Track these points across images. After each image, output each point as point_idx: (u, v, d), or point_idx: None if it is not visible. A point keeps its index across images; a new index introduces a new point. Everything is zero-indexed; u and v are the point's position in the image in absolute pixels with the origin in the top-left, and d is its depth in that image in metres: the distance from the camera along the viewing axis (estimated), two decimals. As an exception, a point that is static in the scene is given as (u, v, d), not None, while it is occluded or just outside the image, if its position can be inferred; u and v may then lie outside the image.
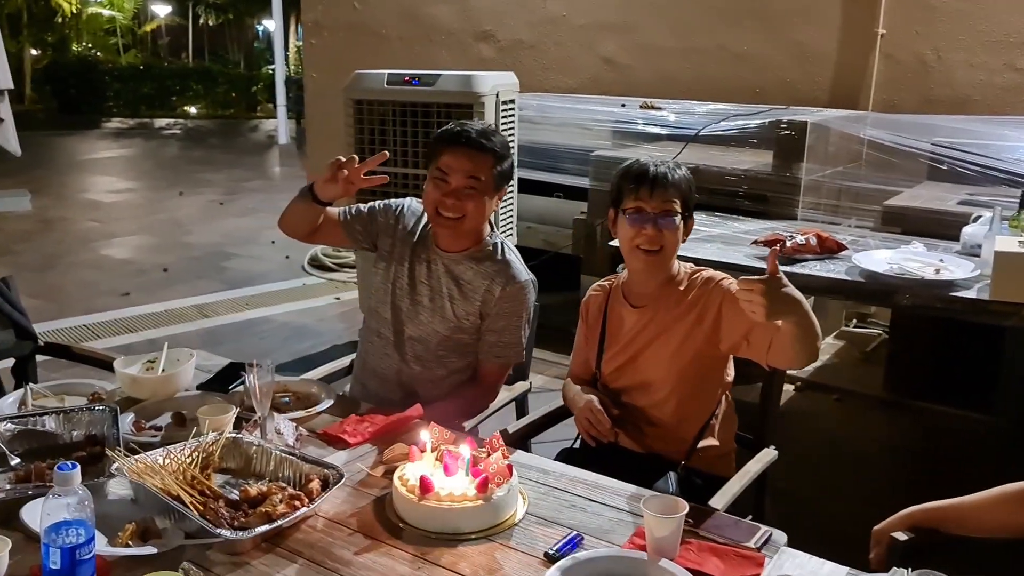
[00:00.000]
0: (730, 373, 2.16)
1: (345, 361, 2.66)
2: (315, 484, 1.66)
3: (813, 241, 3.18)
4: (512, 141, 4.19)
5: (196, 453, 1.72)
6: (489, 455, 1.68)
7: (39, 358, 2.78)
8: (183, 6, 25.04)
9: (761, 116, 4.50)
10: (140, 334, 5.09)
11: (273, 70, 17.97)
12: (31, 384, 2.21)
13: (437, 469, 1.67)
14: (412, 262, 2.37)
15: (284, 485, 1.67)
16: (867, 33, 4.92)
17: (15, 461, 1.75)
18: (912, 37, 4.83)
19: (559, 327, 4.14)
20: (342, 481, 1.66)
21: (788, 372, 2.37)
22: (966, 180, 3.98)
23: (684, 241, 2.09)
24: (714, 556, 1.48)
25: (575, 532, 1.58)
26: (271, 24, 20.44)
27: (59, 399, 2.14)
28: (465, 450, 1.67)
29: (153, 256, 7.04)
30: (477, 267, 2.31)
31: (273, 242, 7.20)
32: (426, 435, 1.75)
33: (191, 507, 1.54)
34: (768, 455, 2.13)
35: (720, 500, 1.82)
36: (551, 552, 1.51)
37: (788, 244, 3.12)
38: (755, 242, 3.30)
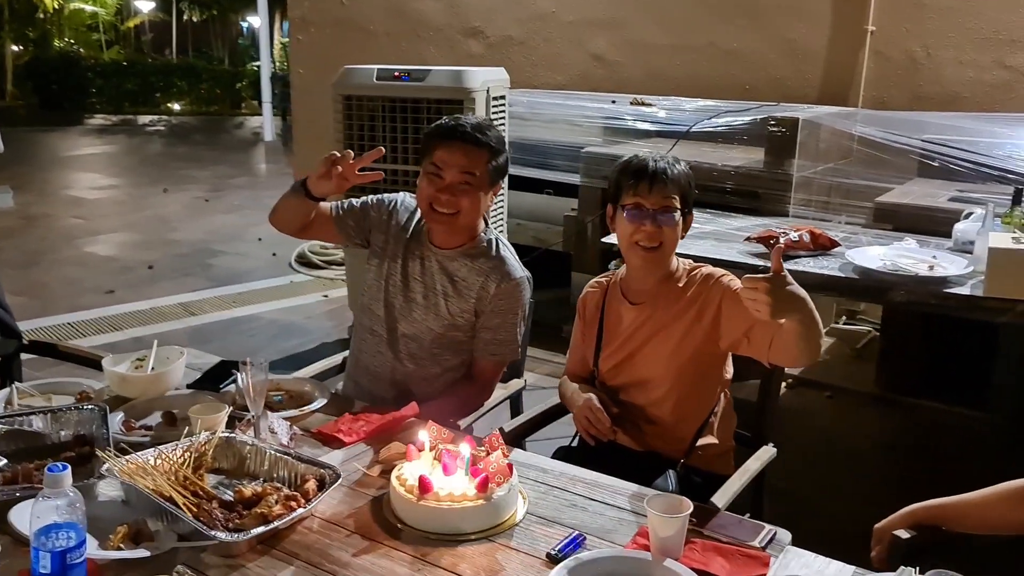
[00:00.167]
0: (729, 371, 2.14)
1: (337, 359, 2.63)
2: (311, 484, 1.62)
3: (806, 238, 3.18)
4: (503, 136, 4.16)
5: (188, 453, 1.68)
6: (488, 454, 1.65)
7: (23, 356, 2.73)
8: (167, 2, 24.85)
9: (752, 113, 4.49)
10: (125, 332, 5.04)
11: (258, 67, 17.87)
12: (17, 383, 2.16)
13: (436, 468, 1.64)
14: (405, 258, 2.34)
15: (279, 486, 1.64)
16: (857, 30, 4.92)
17: (2, 462, 1.70)
18: (902, 34, 4.83)
19: (549, 324, 4.13)
20: (339, 481, 1.63)
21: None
22: (956, 176, 3.99)
23: (683, 237, 2.07)
24: (719, 556, 1.46)
25: (577, 532, 1.55)
26: (256, 20, 20.33)
27: (46, 398, 2.09)
28: (465, 449, 1.64)
29: (138, 253, 6.97)
30: (471, 264, 2.27)
31: (260, 239, 7.15)
32: (424, 434, 1.72)
33: (184, 508, 1.50)
34: (767, 452, 2.12)
35: (721, 498, 1.80)
36: (553, 553, 1.48)
37: (782, 241, 3.11)
38: (748, 239, 3.29)
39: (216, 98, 21.64)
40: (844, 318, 5.11)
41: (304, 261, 6.51)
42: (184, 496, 1.54)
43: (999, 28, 4.58)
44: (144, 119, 19.11)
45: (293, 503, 1.56)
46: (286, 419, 1.94)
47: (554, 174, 4.91)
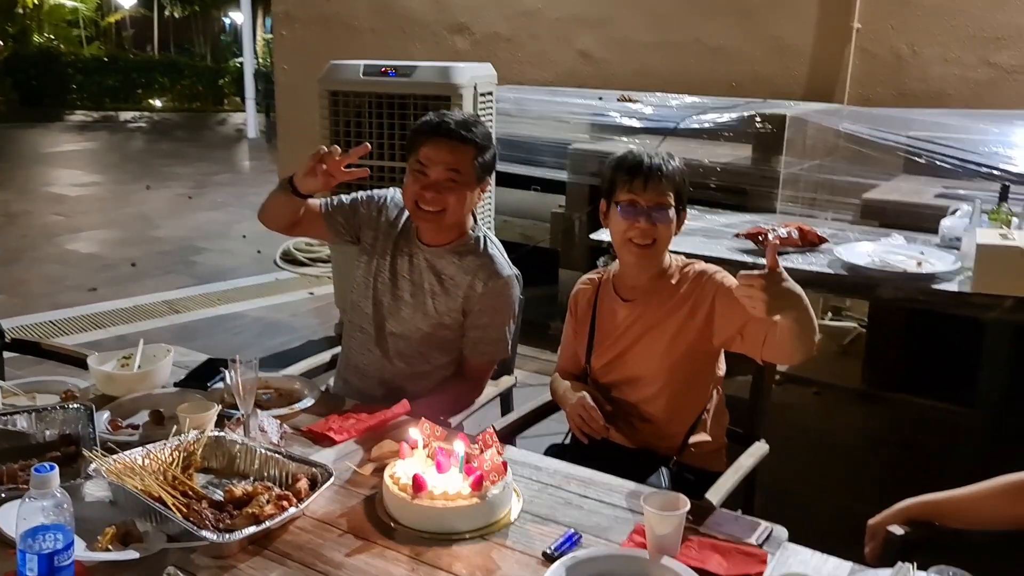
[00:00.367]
0: (722, 367, 2.13)
1: (325, 356, 2.60)
2: (303, 484, 1.60)
3: (795, 234, 3.18)
4: (490, 132, 4.15)
5: (177, 452, 1.66)
6: (483, 452, 1.63)
7: (5, 355, 2.69)
8: (148, -3, 24.64)
9: (739, 109, 4.49)
10: (109, 330, 4.98)
11: (240, 63, 17.74)
12: (0, 381, 2.12)
13: (429, 467, 1.62)
14: (394, 256, 2.32)
15: (270, 485, 1.62)
16: (843, 27, 4.93)
17: (-15, 463, 1.67)
18: (887, 31, 4.84)
19: (537, 322, 4.12)
20: (331, 480, 1.61)
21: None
22: (942, 173, 4.00)
23: (677, 234, 2.06)
24: (716, 553, 1.46)
25: (572, 530, 1.54)
26: (238, 17, 20.20)
27: (30, 397, 2.06)
28: (459, 447, 1.62)
29: (120, 250, 6.90)
30: (459, 262, 2.25)
31: (244, 236, 7.09)
32: (416, 433, 1.70)
33: (174, 509, 1.48)
34: (760, 449, 2.12)
35: (715, 495, 1.79)
36: (549, 551, 1.47)
37: (771, 237, 3.11)
38: (737, 235, 3.29)
39: (198, 95, 21.47)
40: (830, 314, 5.12)
41: (289, 258, 6.46)
42: (173, 496, 1.51)
43: (984, 26, 4.61)
44: (126, 115, 18.90)
45: (285, 502, 1.54)
46: (276, 417, 1.92)
47: (541, 171, 4.89)
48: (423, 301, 2.27)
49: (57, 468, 1.30)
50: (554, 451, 2.15)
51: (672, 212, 2.02)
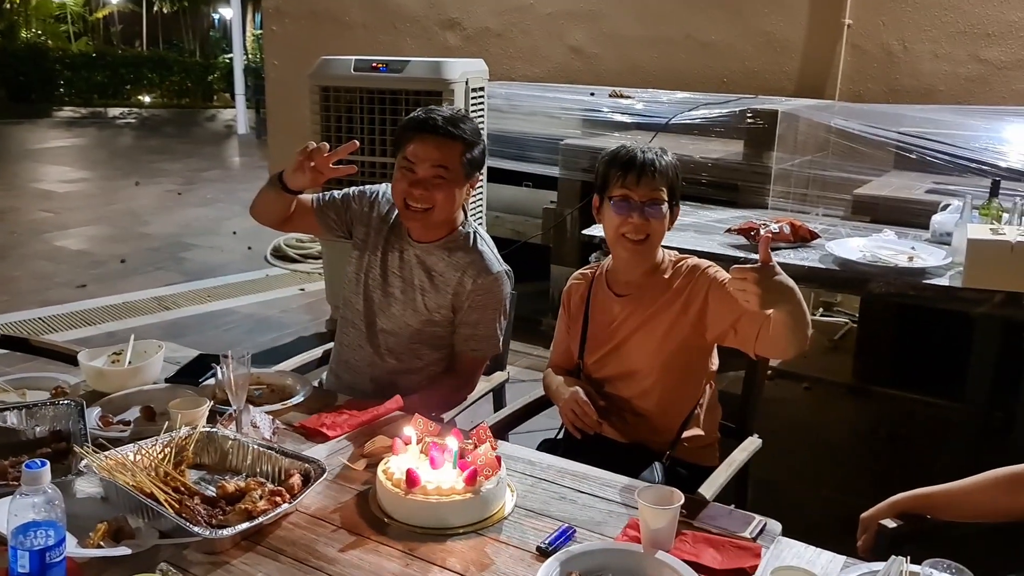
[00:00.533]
0: (714, 362, 2.13)
1: (317, 352, 2.60)
2: (296, 479, 1.60)
3: (787, 230, 3.19)
4: (482, 129, 4.14)
5: (169, 448, 1.65)
6: (476, 447, 1.63)
7: (-5, 352, 2.68)
8: (136, -7, 24.49)
9: (730, 105, 4.49)
10: (98, 327, 4.95)
11: (230, 59, 17.66)
12: (-11, 378, 2.11)
13: (423, 462, 1.62)
14: (385, 251, 2.31)
15: (263, 480, 1.61)
16: (834, 23, 4.94)
17: (-25, 459, 1.66)
18: (878, 27, 4.86)
19: (528, 317, 4.11)
20: (324, 476, 1.61)
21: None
22: (933, 169, 4.02)
23: (670, 229, 2.06)
24: (710, 547, 1.46)
25: (566, 525, 1.54)
26: (227, 12, 20.09)
27: (20, 394, 2.04)
28: (452, 442, 1.62)
29: (110, 247, 6.86)
30: (449, 258, 2.24)
31: (235, 232, 7.06)
32: (410, 429, 1.69)
33: (166, 505, 1.47)
34: (753, 444, 2.12)
35: (708, 490, 1.80)
36: (543, 546, 1.47)
37: (763, 232, 3.12)
38: (729, 230, 3.30)
39: (188, 91, 21.37)
40: (821, 310, 5.14)
41: (280, 255, 6.44)
42: (165, 492, 1.50)
43: (974, 22, 4.63)
44: (114, 111, 18.81)
45: (278, 498, 1.53)
46: (268, 413, 1.91)
47: (533, 166, 4.89)
48: (413, 297, 2.26)
49: (48, 464, 1.29)
50: (547, 446, 2.15)
51: (665, 207, 2.02)
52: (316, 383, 2.31)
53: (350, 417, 1.95)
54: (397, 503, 1.55)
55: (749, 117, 4.26)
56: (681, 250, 2.18)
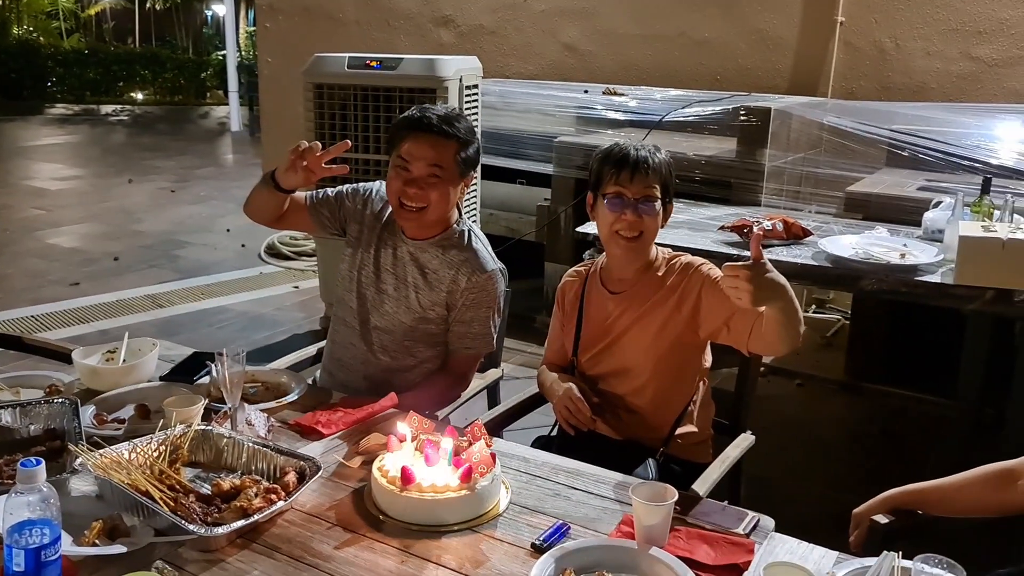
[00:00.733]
0: (708, 359, 2.14)
1: (311, 350, 2.60)
2: (291, 477, 1.60)
3: (780, 227, 3.20)
4: (475, 127, 4.15)
5: (164, 446, 1.65)
6: (471, 444, 1.64)
7: (-13, 350, 2.67)
8: (128, -11, 24.36)
9: (723, 103, 4.50)
10: (92, 325, 4.94)
11: (223, 56, 17.60)
12: (-17, 377, 2.11)
13: (418, 459, 1.62)
14: (378, 249, 2.31)
15: (258, 478, 1.61)
16: (827, 21, 4.95)
17: (-31, 458, 1.66)
18: (871, 25, 4.87)
19: (522, 315, 4.12)
20: (319, 473, 1.61)
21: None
22: (925, 166, 4.04)
23: (663, 226, 2.07)
24: (704, 543, 1.46)
25: (561, 521, 1.55)
26: (220, 9, 20.02)
27: (14, 392, 2.04)
28: (447, 440, 1.62)
29: (103, 245, 6.84)
30: (443, 256, 2.24)
31: (228, 230, 7.05)
32: (405, 427, 1.70)
33: (161, 503, 1.47)
34: (746, 440, 2.13)
35: (702, 486, 1.80)
36: (538, 543, 1.47)
37: (756, 230, 3.13)
38: (722, 227, 3.31)
39: (180, 88, 21.27)
40: (814, 307, 5.16)
41: (274, 252, 6.44)
42: (160, 490, 1.50)
43: (966, 19, 4.64)
44: (107, 108, 18.73)
45: (273, 496, 1.53)
46: (263, 411, 1.91)
47: (527, 164, 4.90)
48: (406, 295, 2.27)
49: (43, 463, 1.29)
50: (541, 443, 2.15)
51: (659, 204, 2.02)
52: (310, 381, 2.31)
53: (345, 415, 1.96)
54: (392, 500, 1.55)
55: (742, 114, 4.27)
56: (675, 247, 2.19)
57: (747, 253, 1.64)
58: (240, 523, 1.46)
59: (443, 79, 3.96)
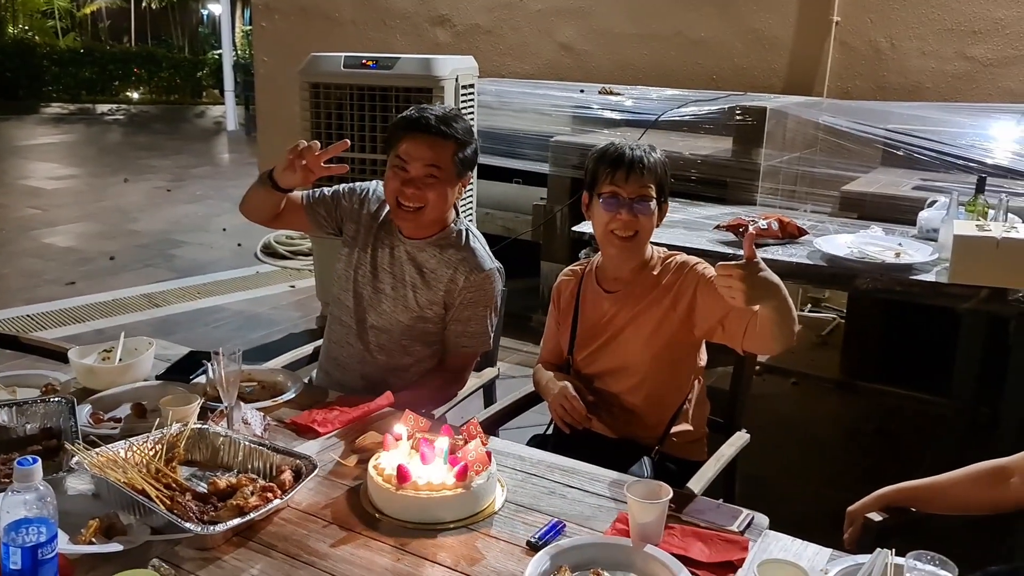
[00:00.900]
0: (703, 358, 2.15)
1: (307, 349, 2.60)
2: (287, 475, 1.60)
3: (775, 226, 3.21)
4: (472, 127, 4.16)
5: (160, 445, 1.66)
6: (466, 443, 1.64)
7: (-17, 349, 2.67)
8: (124, -12, 24.31)
9: (719, 102, 4.51)
10: (88, 324, 4.94)
11: (219, 55, 17.57)
12: (-21, 376, 2.11)
13: (413, 458, 1.63)
14: (375, 248, 2.31)
15: (254, 477, 1.62)
16: (822, 20, 4.96)
17: (-34, 457, 1.66)
18: (866, 25, 4.88)
19: (518, 314, 4.13)
20: (315, 472, 1.61)
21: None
22: (920, 165, 4.05)
23: (658, 226, 2.07)
24: (698, 541, 1.47)
25: (556, 519, 1.55)
26: (216, 8, 19.98)
27: (10, 391, 2.04)
28: (443, 439, 1.63)
29: (98, 244, 6.84)
30: (441, 255, 2.25)
31: (224, 229, 7.05)
32: (401, 427, 1.70)
33: (157, 501, 1.48)
34: (741, 438, 2.14)
35: (697, 484, 1.81)
36: (533, 540, 1.48)
37: (751, 228, 3.14)
38: (718, 227, 3.31)
39: (176, 87, 21.22)
40: (809, 306, 5.17)
41: (270, 251, 6.43)
42: (157, 489, 1.51)
43: (961, 19, 4.66)
44: (102, 108, 18.69)
45: (269, 494, 1.54)
46: (259, 410, 1.92)
47: (523, 163, 4.90)
48: (404, 294, 2.27)
49: (40, 461, 1.29)
50: (536, 442, 2.15)
51: (654, 204, 2.03)
52: (306, 380, 2.32)
53: (341, 413, 1.96)
54: (388, 498, 1.56)
55: (738, 114, 4.28)
56: (671, 247, 2.19)
57: (742, 252, 1.64)
58: (236, 521, 1.46)
59: (439, 78, 3.96)
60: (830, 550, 1.48)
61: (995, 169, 3.69)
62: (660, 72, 5.43)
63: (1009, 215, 2.93)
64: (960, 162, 3.83)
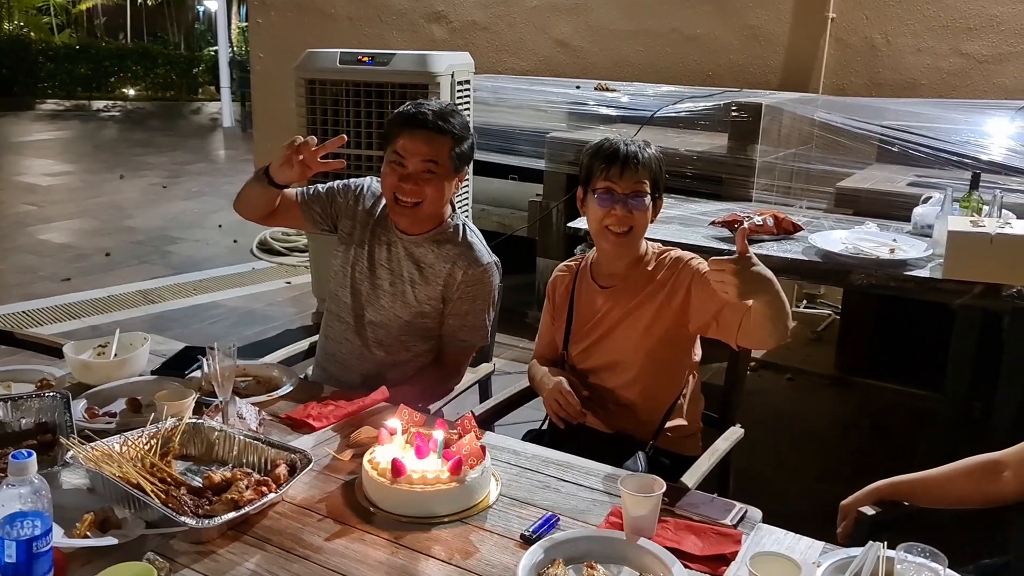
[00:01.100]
0: (697, 353, 2.15)
1: (303, 344, 2.60)
2: (282, 469, 1.61)
3: (770, 222, 3.21)
4: (468, 122, 4.16)
5: (155, 439, 1.66)
6: (461, 437, 1.65)
7: (-22, 345, 2.66)
8: (120, -16, 24.25)
9: (715, 98, 4.52)
10: (83, 320, 4.94)
11: (215, 51, 17.53)
12: (-26, 371, 2.11)
13: (408, 452, 1.63)
14: (372, 245, 2.31)
15: (249, 471, 1.62)
16: (818, 17, 4.97)
17: (-39, 451, 1.66)
18: (862, 21, 4.90)
19: (514, 309, 4.12)
20: (310, 466, 1.62)
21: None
22: (914, 162, 4.06)
23: (653, 221, 2.08)
24: (692, 534, 1.48)
25: (550, 513, 1.56)
26: (212, 4, 19.95)
27: (5, 386, 2.05)
28: (437, 433, 1.63)
29: (94, 240, 6.83)
30: (438, 250, 2.25)
31: (220, 226, 7.04)
32: (396, 421, 1.71)
33: (152, 495, 1.48)
34: (735, 433, 2.14)
35: (691, 478, 1.81)
36: (527, 534, 1.49)
37: (746, 224, 3.14)
38: (713, 223, 3.32)
39: (172, 83, 21.18)
40: (804, 302, 5.18)
41: (266, 248, 6.43)
42: (152, 483, 1.51)
43: (956, 16, 4.67)
44: (98, 104, 18.65)
45: (264, 488, 1.54)
46: (254, 404, 1.92)
47: (519, 159, 4.90)
48: (402, 289, 2.27)
49: (35, 455, 1.30)
50: (531, 437, 2.16)
51: (648, 199, 2.03)
52: (302, 376, 2.32)
53: (336, 408, 1.96)
54: (383, 492, 1.56)
55: (733, 110, 4.28)
56: (665, 242, 2.20)
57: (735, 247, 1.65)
58: (231, 515, 1.47)
59: (435, 75, 3.96)
60: (823, 543, 1.49)
61: (989, 165, 3.70)
62: (656, 68, 5.44)
63: (1003, 211, 2.94)
64: (955, 158, 3.84)
